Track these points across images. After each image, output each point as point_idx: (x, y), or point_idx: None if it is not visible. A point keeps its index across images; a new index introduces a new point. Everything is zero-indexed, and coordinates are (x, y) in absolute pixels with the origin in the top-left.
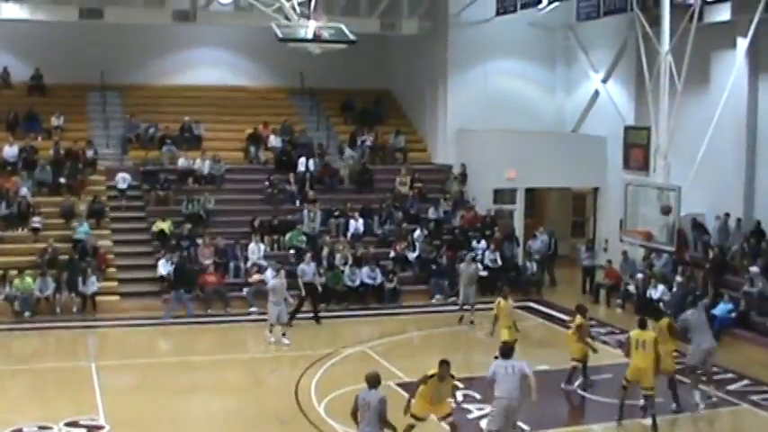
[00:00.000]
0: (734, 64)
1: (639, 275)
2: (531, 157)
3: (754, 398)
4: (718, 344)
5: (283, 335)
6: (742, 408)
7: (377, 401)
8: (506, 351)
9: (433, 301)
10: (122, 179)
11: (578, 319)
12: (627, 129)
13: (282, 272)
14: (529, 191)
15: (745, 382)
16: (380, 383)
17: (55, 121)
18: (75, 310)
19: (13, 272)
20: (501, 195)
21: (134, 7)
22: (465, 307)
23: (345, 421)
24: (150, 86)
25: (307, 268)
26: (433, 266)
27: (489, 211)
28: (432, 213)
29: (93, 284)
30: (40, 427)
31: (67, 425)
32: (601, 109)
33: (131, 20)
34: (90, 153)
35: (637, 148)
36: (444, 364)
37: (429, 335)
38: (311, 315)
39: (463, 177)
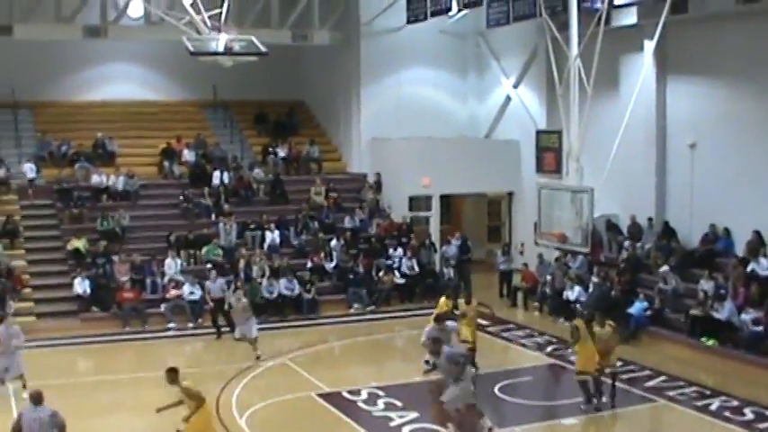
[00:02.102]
0: (642, 66)
1: (548, 276)
2: (445, 163)
3: (671, 393)
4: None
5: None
6: (659, 404)
7: (48, 417)
8: (440, 317)
9: (351, 310)
10: (29, 169)
11: (463, 306)
12: (539, 133)
13: (239, 291)
14: (444, 197)
15: (662, 378)
16: (43, 399)
17: None
18: None
19: None
20: (416, 202)
21: (44, 23)
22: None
23: None
24: (62, 103)
25: (213, 285)
26: (351, 276)
27: (405, 218)
28: (348, 223)
29: (10, 307)
30: None
31: None
32: (513, 114)
33: (41, 36)
34: (1, 172)
35: (549, 152)
36: (171, 372)
37: (349, 344)
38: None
39: (378, 186)
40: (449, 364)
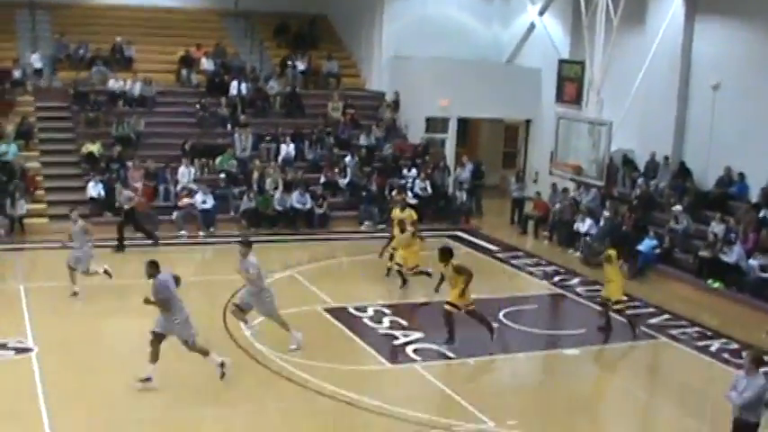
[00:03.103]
0: (671, 3)
1: (557, 205)
2: (465, 86)
3: (673, 332)
4: None
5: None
6: (660, 341)
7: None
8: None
9: (362, 227)
10: (36, 59)
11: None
12: (561, 62)
13: (76, 216)
14: (461, 120)
15: (666, 316)
16: None
17: None
18: (2, 232)
19: None
20: (433, 124)
21: None
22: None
23: (271, 343)
24: (81, 5)
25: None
26: (363, 193)
27: (421, 139)
28: (363, 140)
29: (21, 207)
30: None
31: None
32: (536, 41)
33: None
34: (17, 73)
35: (570, 82)
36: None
37: (357, 261)
38: (150, 241)
39: (396, 105)
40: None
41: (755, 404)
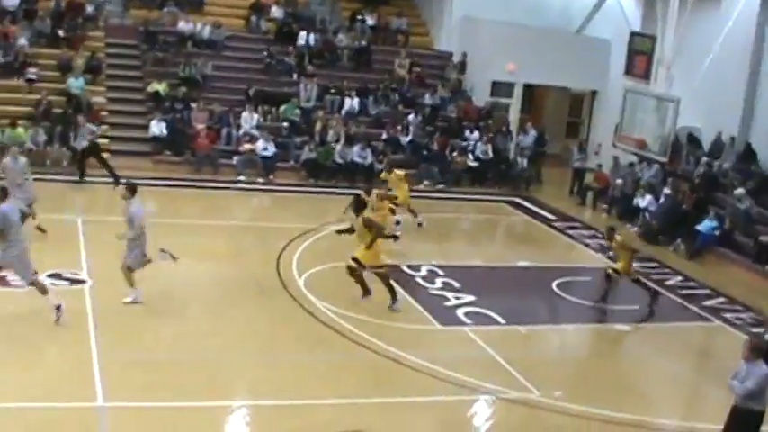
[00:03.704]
0: None
1: (619, 180)
2: (533, 52)
3: (727, 315)
4: None
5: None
6: (714, 324)
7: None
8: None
9: (421, 186)
10: None
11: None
12: (633, 35)
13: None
14: (527, 87)
15: (721, 299)
16: None
17: None
18: (65, 163)
19: (5, 121)
20: (499, 88)
21: None
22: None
23: (323, 296)
24: None
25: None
26: (425, 152)
27: (486, 102)
28: (428, 99)
29: (84, 140)
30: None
31: (50, 276)
32: (608, 12)
33: None
34: (90, 8)
35: (640, 56)
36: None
37: (413, 219)
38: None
39: (462, 66)
40: None
41: (758, 393)
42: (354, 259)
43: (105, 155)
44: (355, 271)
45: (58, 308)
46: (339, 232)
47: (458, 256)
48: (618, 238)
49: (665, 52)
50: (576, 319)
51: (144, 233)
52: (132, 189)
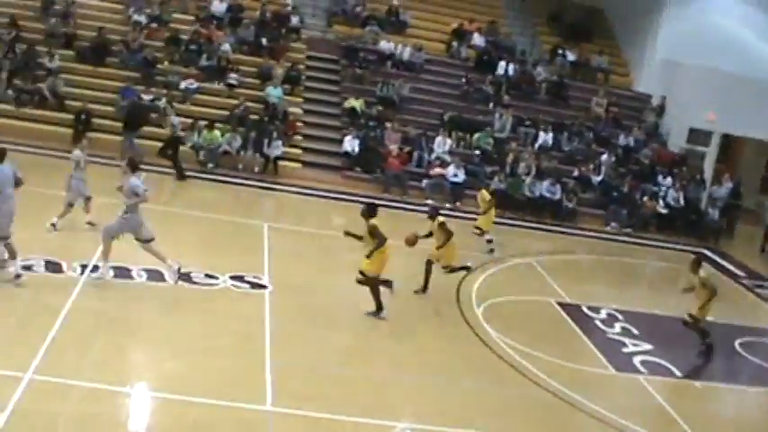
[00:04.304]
0: None
1: None
2: (735, 101)
3: None
4: None
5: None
6: None
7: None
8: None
9: (608, 228)
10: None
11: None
12: None
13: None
14: (725, 136)
15: None
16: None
17: None
18: (256, 169)
19: (203, 123)
20: (696, 135)
21: None
22: None
23: (500, 328)
24: None
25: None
26: (615, 193)
27: (681, 149)
28: (622, 140)
29: (277, 148)
30: (207, 275)
31: (233, 278)
32: None
33: None
34: (295, 20)
35: None
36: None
37: (597, 260)
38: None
39: (661, 110)
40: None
41: None
42: (362, 273)
43: (297, 164)
44: (369, 282)
45: (18, 276)
46: (347, 234)
47: (639, 303)
48: (702, 273)
49: None
50: (758, 382)
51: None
52: (133, 166)
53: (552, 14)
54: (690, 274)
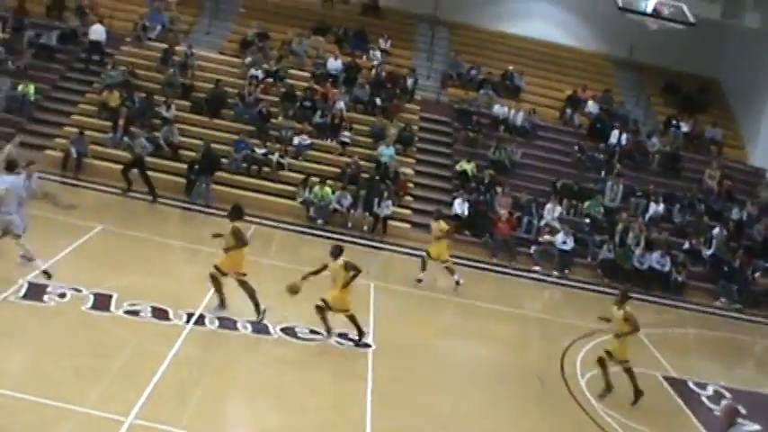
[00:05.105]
0: None
1: None
2: None
3: None
4: None
5: None
6: None
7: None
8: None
9: (717, 303)
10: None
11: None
12: None
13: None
14: None
15: None
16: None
17: (382, 44)
18: (365, 228)
19: (315, 179)
20: None
21: None
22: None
23: (605, 401)
24: (479, 29)
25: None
26: (725, 268)
27: None
28: (735, 214)
29: (387, 207)
30: (311, 331)
31: (339, 335)
32: None
33: None
34: (410, 82)
35: None
36: None
37: (706, 336)
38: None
39: None
40: None
41: None
42: (216, 267)
43: (407, 225)
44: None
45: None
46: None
47: (747, 381)
48: (628, 308)
49: None
50: None
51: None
52: (11, 166)
53: (667, 85)
54: (614, 308)
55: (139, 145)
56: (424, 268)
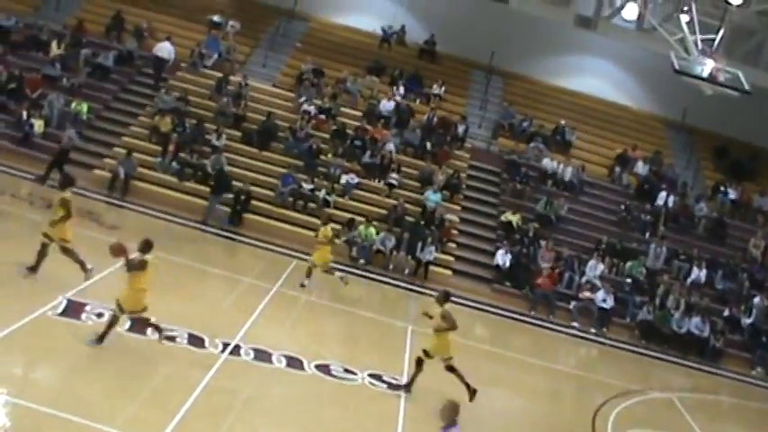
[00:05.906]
0: None
1: None
2: None
3: None
4: None
5: None
6: None
7: None
8: None
9: (753, 372)
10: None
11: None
12: None
13: None
14: None
15: None
16: None
17: (436, 89)
18: (407, 271)
19: (360, 219)
20: None
21: (540, 1)
22: None
23: None
24: (534, 80)
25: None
26: (764, 338)
27: None
28: None
29: (430, 253)
30: (346, 369)
31: (371, 376)
32: None
33: (534, 12)
34: (461, 128)
35: None
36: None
37: (740, 404)
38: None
39: None
40: None
41: None
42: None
43: (448, 271)
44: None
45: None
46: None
47: None
48: (446, 306)
49: None
50: None
51: None
52: None
53: (717, 150)
54: (434, 305)
55: (68, 136)
56: (309, 275)
